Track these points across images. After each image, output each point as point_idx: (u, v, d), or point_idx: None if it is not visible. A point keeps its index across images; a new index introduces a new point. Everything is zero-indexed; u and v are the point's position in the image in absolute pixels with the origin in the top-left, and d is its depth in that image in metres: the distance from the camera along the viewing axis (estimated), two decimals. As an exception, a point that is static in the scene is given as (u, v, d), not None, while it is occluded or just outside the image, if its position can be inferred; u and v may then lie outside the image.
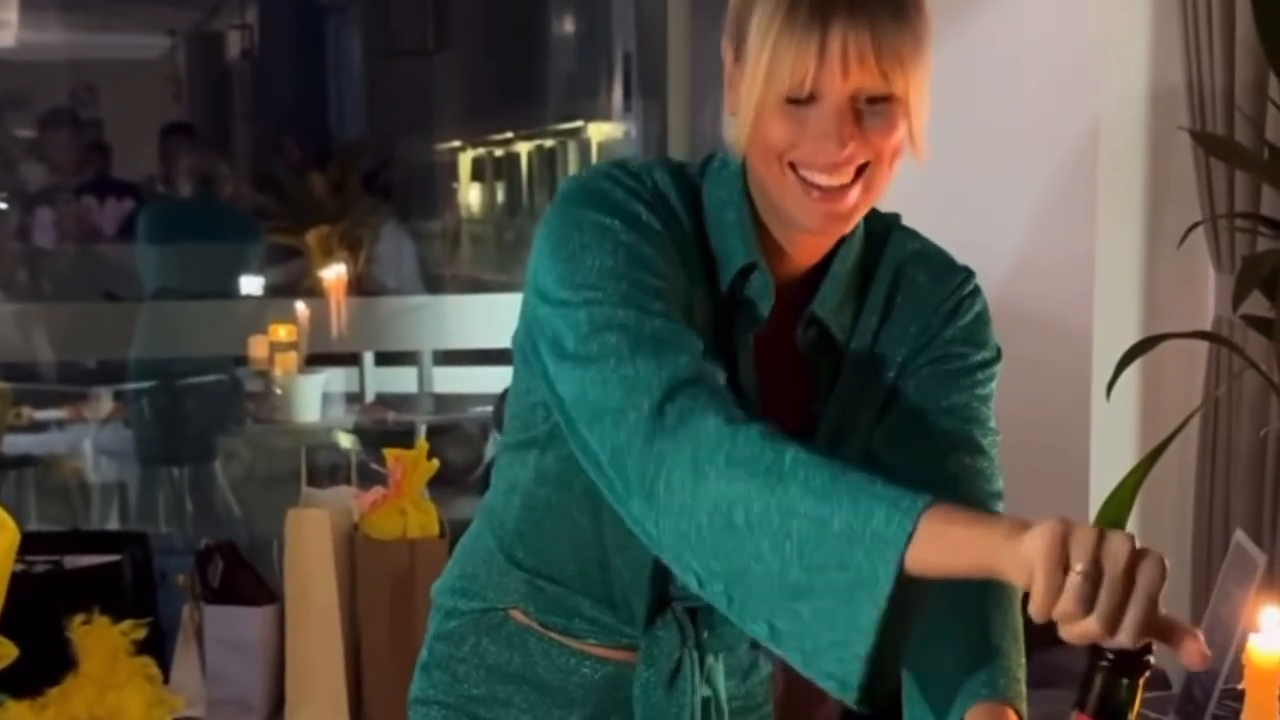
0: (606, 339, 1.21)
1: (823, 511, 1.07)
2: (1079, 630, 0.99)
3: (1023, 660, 1.25)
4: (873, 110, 1.22)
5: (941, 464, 1.30)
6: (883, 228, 1.38)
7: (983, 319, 1.38)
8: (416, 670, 1.51)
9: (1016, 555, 1.00)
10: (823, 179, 1.24)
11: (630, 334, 1.21)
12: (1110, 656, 1.00)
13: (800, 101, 1.22)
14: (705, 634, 1.41)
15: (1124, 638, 0.99)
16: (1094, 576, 0.97)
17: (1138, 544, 0.99)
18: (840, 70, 1.20)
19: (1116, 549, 0.98)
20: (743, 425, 1.14)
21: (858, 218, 1.29)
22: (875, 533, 1.05)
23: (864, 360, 1.35)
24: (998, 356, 1.37)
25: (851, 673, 1.08)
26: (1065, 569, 0.98)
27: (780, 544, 1.09)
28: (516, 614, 1.44)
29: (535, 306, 1.28)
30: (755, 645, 1.51)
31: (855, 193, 1.25)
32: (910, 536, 1.04)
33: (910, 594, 1.06)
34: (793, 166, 1.25)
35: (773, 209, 1.30)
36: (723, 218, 1.32)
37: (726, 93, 1.31)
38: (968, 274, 1.39)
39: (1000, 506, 1.31)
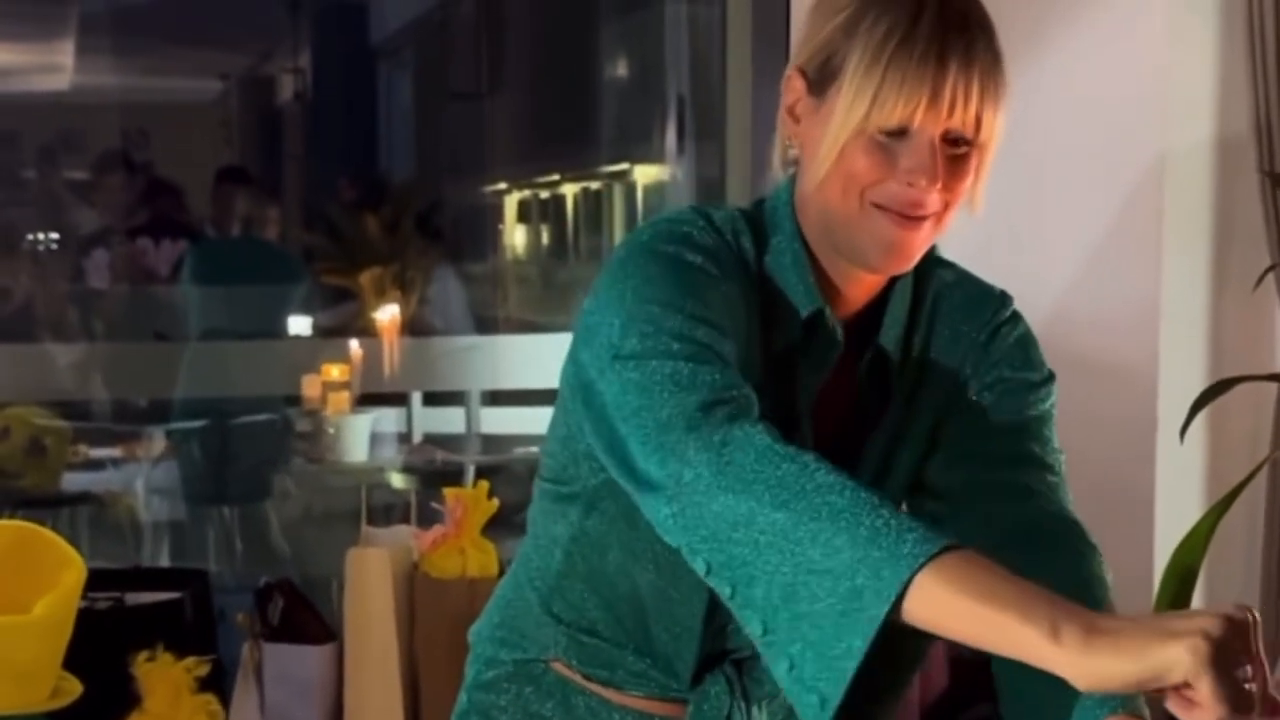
0: (666, 346, 1.18)
1: (838, 545, 1.04)
2: None
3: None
4: (952, 152, 1.22)
5: (1011, 478, 1.28)
6: (922, 262, 1.36)
7: (1026, 341, 1.36)
8: (453, 719, 1.47)
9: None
10: (905, 210, 1.23)
11: (690, 346, 1.18)
12: None
13: (892, 134, 1.21)
14: (748, 681, 1.38)
15: None
16: None
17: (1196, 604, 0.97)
18: (947, 108, 1.20)
19: None
20: (783, 444, 1.11)
21: (919, 256, 1.28)
22: (868, 581, 1.02)
23: (910, 393, 1.34)
24: (1050, 378, 1.35)
25: (833, 692, 1.03)
26: None
27: (789, 561, 1.06)
28: (558, 665, 1.41)
29: (597, 325, 1.24)
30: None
31: (926, 229, 1.25)
32: (906, 588, 1.01)
33: (906, 640, 1.04)
34: (871, 201, 1.23)
35: (836, 246, 1.28)
36: (781, 263, 1.30)
37: (783, 124, 1.29)
38: (1005, 299, 1.38)
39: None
